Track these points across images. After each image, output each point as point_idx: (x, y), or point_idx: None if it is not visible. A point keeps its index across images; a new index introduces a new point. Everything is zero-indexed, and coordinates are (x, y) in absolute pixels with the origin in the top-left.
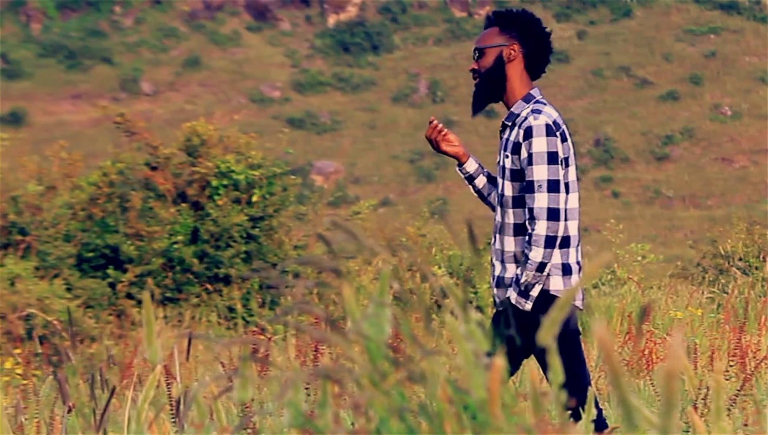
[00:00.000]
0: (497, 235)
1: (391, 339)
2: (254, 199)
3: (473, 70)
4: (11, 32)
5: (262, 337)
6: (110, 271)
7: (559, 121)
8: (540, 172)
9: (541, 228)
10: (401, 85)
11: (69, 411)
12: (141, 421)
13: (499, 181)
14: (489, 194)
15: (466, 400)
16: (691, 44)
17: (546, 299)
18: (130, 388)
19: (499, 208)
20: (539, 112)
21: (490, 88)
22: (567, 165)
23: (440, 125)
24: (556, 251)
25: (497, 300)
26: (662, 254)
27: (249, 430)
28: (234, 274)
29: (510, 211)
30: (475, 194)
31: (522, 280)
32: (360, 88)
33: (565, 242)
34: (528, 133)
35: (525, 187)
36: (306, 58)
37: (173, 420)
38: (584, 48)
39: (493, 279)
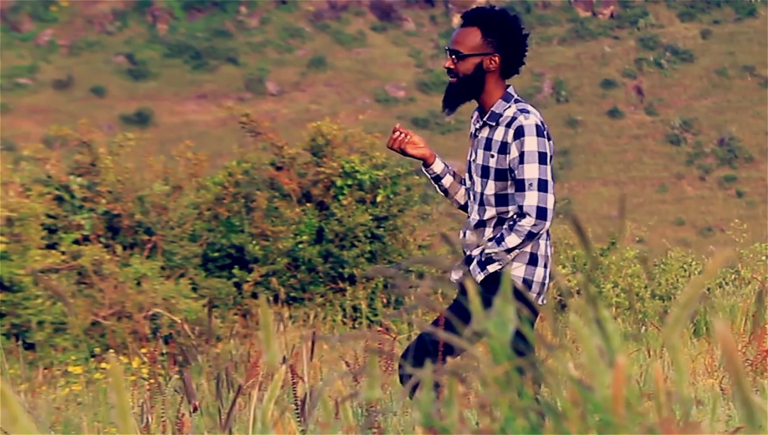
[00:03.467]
0: (471, 231)
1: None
2: (379, 199)
3: (449, 69)
4: (137, 33)
5: (387, 336)
6: (235, 270)
7: (544, 121)
8: (531, 171)
9: (528, 223)
10: (525, 85)
11: (195, 410)
12: (266, 421)
13: (478, 180)
14: (456, 192)
15: (591, 400)
16: None
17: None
18: (255, 387)
19: (476, 207)
20: (527, 111)
21: (466, 92)
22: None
23: (404, 132)
24: None
25: (453, 277)
26: None
27: (374, 430)
28: (358, 273)
29: (492, 208)
30: (442, 193)
31: (486, 252)
32: None
33: None
34: (519, 133)
35: (514, 185)
36: (430, 58)
37: (298, 419)
38: (708, 47)
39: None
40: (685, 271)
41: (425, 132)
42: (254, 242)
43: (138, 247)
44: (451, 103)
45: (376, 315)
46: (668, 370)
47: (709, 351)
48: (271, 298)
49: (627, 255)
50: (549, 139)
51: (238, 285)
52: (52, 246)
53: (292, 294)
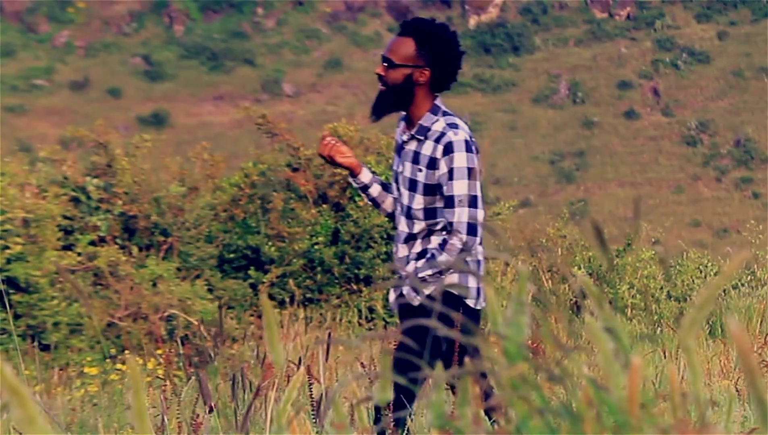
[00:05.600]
0: (403, 245)
1: (531, 340)
2: None
3: (379, 76)
4: (154, 34)
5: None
6: (251, 272)
7: (472, 135)
8: (461, 188)
9: (459, 241)
10: (541, 86)
11: (210, 411)
12: (282, 422)
13: (406, 192)
14: (383, 201)
15: (606, 401)
16: None
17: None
18: (270, 388)
19: (405, 220)
20: (456, 126)
21: (394, 101)
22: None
23: (333, 139)
24: None
25: (392, 300)
26: None
27: (389, 431)
28: (375, 275)
29: (421, 222)
30: (370, 203)
31: (419, 274)
32: (500, 89)
33: None
34: (448, 149)
35: (443, 200)
36: None
37: (314, 420)
38: (725, 49)
39: (396, 286)
40: (701, 272)
41: None
42: (270, 243)
43: (154, 248)
44: (379, 111)
45: (392, 316)
46: (684, 371)
47: (724, 352)
48: (287, 300)
49: (643, 256)
50: (477, 153)
51: (254, 286)
52: (68, 247)
53: (308, 295)
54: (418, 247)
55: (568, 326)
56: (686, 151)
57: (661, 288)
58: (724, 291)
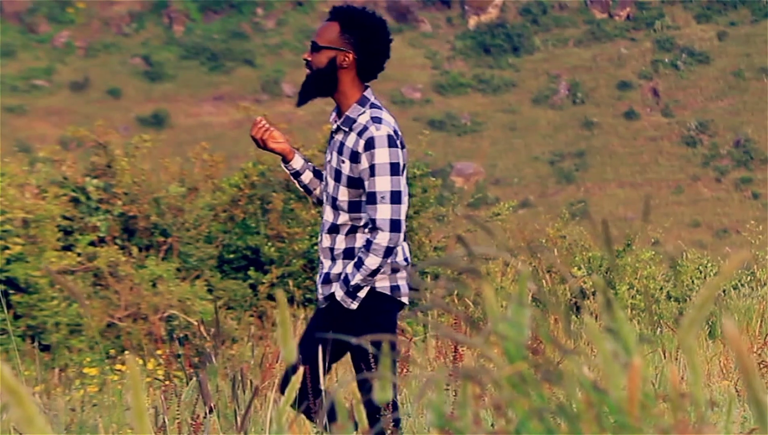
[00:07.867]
0: (327, 235)
1: (530, 340)
2: None
3: (306, 61)
4: (154, 34)
5: (403, 337)
6: (251, 272)
7: (398, 129)
8: (383, 184)
9: (383, 239)
10: (541, 87)
11: (210, 411)
12: (282, 422)
13: (331, 182)
14: (316, 188)
15: (605, 401)
16: None
17: (371, 296)
18: (271, 389)
19: (330, 210)
20: (380, 120)
21: (320, 86)
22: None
23: (266, 124)
24: None
25: (321, 298)
26: None
27: (389, 431)
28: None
29: (345, 214)
30: (301, 189)
31: (352, 282)
32: (500, 89)
33: None
34: (370, 144)
35: (365, 197)
36: (447, 60)
37: (313, 421)
38: (724, 49)
39: (320, 276)
40: (701, 272)
41: (441, 134)
42: (270, 244)
43: (154, 248)
44: (304, 95)
45: None
46: (684, 371)
47: (724, 353)
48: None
49: (643, 257)
50: (402, 148)
51: (253, 287)
52: (68, 247)
53: (308, 296)
54: (341, 242)
55: (567, 327)
56: (686, 151)
57: (661, 288)
58: (724, 291)
